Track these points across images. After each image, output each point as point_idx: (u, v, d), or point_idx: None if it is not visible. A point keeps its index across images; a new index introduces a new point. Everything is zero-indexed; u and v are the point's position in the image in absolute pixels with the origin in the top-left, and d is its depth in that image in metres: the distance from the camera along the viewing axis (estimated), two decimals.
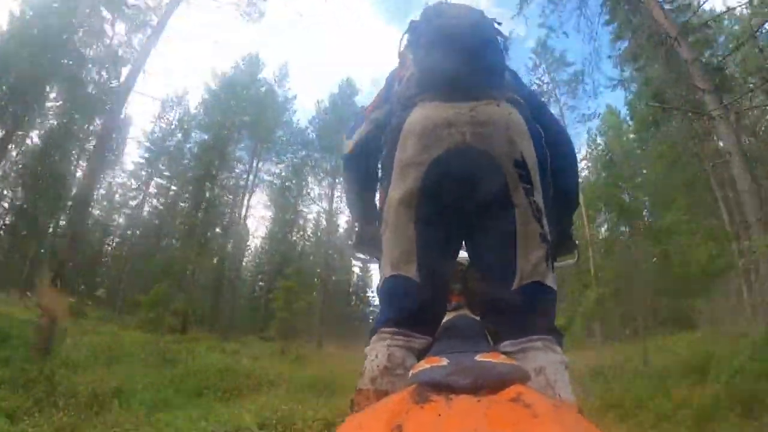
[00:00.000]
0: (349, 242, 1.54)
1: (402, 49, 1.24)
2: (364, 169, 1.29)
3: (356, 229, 1.48)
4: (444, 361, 0.70)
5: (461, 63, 1.05)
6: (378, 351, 1.00)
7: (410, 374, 0.71)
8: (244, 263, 30.47)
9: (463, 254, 1.19)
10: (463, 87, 1.04)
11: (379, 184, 1.17)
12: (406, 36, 1.20)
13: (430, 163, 1.00)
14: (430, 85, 1.07)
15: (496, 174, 0.99)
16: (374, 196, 1.30)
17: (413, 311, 1.03)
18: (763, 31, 8.28)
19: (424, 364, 0.71)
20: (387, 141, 1.11)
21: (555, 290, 1.04)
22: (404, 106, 1.10)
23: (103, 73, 19.03)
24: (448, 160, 0.99)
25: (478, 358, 0.71)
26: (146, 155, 28.11)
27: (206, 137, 27.02)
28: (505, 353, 0.89)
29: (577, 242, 1.38)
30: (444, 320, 1.15)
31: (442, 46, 1.07)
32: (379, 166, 1.19)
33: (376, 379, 0.96)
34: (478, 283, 1.20)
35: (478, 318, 1.19)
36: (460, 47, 1.06)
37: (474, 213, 1.03)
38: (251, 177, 28.06)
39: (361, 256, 1.49)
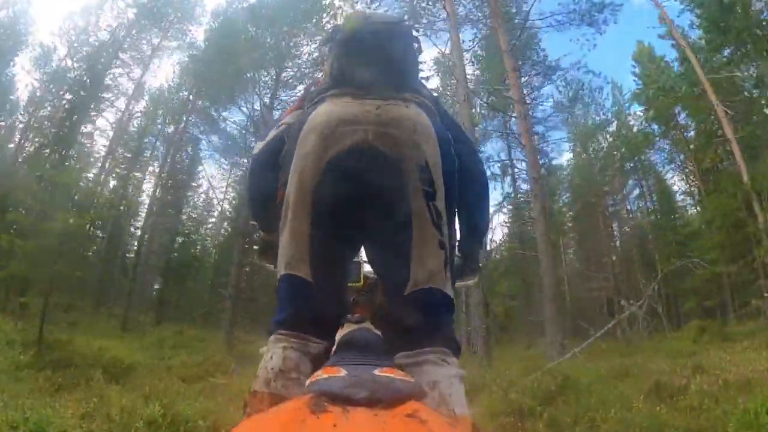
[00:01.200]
0: (255, 248, 1.55)
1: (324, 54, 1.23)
2: (270, 176, 1.17)
3: (260, 237, 1.45)
4: (342, 372, 0.70)
5: (373, 59, 1.06)
6: (273, 353, 0.99)
7: (308, 382, 0.72)
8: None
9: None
10: (372, 84, 1.03)
11: (279, 179, 1.11)
12: (325, 39, 1.20)
13: (328, 160, 0.98)
14: (340, 80, 1.08)
15: (396, 177, 0.98)
16: (274, 204, 1.19)
17: (307, 312, 1.02)
18: None
19: (321, 374, 0.72)
20: (290, 137, 1.08)
21: (452, 298, 1.03)
22: (313, 102, 1.09)
23: None
24: (347, 159, 0.97)
25: (377, 372, 0.71)
26: None
27: None
28: (400, 366, 0.90)
29: (480, 265, 1.37)
30: (345, 332, 1.17)
31: (355, 43, 1.08)
32: (271, 138, 1.21)
33: (270, 382, 0.95)
34: (374, 288, 1.21)
35: (378, 332, 1.20)
36: (373, 44, 1.06)
37: (371, 216, 1.01)
38: None
39: (266, 264, 1.41)
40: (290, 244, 1.02)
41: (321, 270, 1.01)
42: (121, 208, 21.63)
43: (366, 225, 1.04)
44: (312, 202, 0.99)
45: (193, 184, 26.71)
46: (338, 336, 1.13)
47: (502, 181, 19.95)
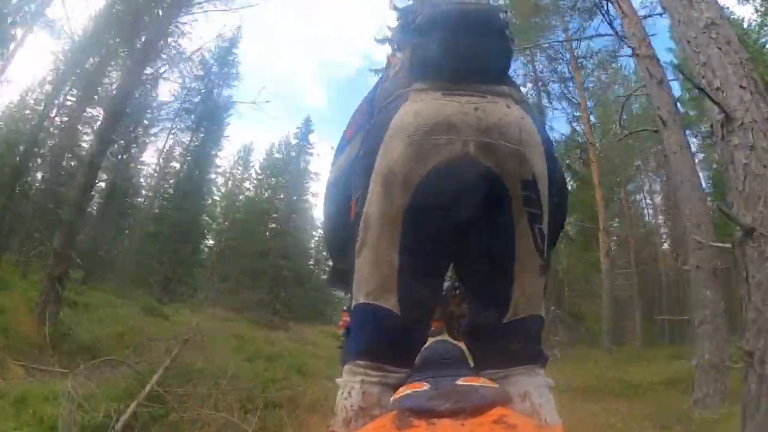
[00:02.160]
0: (323, 277, 1.29)
1: (394, 44, 1.11)
2: (342, 206, 1.03)
3: (330, 262, 1.34)
4: (425, 386, 0.70)
5: (469, 43, 0.89)
6: (351, 388, 0.91)
7: (392, 399, 0.71)
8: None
9: None
10: (468, 73, 0.88)
11: (353, 185, 0.97)
12: (400, 24, 1.09)
13: (422, 177, 0.83)
14: (424, 70, 0.91)
15: (500, 196, 0.85)
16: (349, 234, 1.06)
17: (390, 345, 0.92)
18: None
19: (404, 390, 0.72)
20: (366, 139, 0.95)
21: (544, 318, 0.97)
22: (391, 99, 0.93)
23: None
24: (444, 176, 0.82)
25: (460, 382, 0.71)
26: None
27: None
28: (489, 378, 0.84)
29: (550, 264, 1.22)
30: (424, 345, 1.09)
31: (445, 25, 0.90)
32: (344, 162, 1.06)
33: (350, 422, 0.88)
34: (464, 309, 1.16)
35: (457, 343, 1.18)
36: (469, 23, 0.90)
37: (468, 235, 0.90)
38: None
39: (337, 290, 1.35)
40: (373, 271, 0.90)
41: (410, 300, 0.90)
42: None
43: (464, 249, 0.93)
44: (401, 226, 0.86)
45: None
46: None
47: None
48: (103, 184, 21.73)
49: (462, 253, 0.95)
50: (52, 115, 22.21)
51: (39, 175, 22.89)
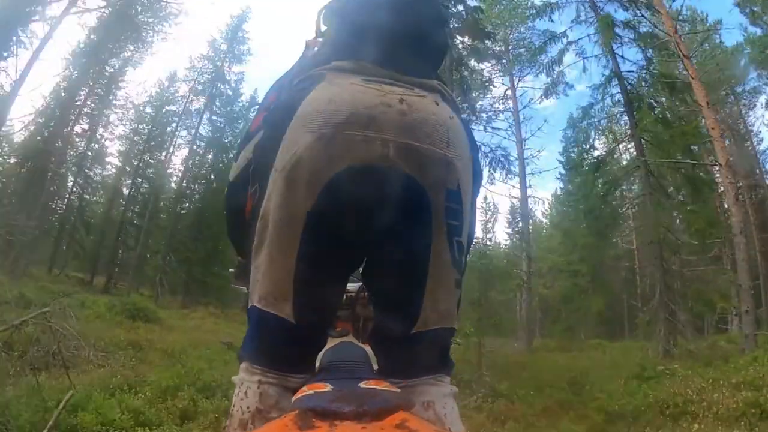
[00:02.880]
0: (231, 270, 1.33)
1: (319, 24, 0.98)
2: (245, 200, 0.93)
3: (237, 259, 1.17)
4: (327, 387, 0.70)
5: (403, 21, 0.83)
6: (248, 388, 0.83)
7: (293, 399, 0.70)
8: None
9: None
10: (397, 57, 0.80)
11: (250, 182, 0.88)
12: (324, 8, 0.96)
13: (331, 178, 0.72)
14: (347, 45, 0.82)
15: (419, 206, 0.76)
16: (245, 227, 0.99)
17: (285, 353, 0.84)
18: None
19: (306, 390, 0.71)
20: (268, 121, 0.87)
21: (455, 329, 0.90)
22: (302, 77, 0.81)
23: None
24: (358, 179, 0.72)
25: (362, 385, 0.71)
26: None
27: None
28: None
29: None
30: (328, 346, 1.05)
31: (378, 8, 0.82)
32: (250, 154, 0.91)
33: (246, 424, 0.81)
34: (372, 311, 1.07)
35: (362, 345, 1.16)
36: (401, 6, 0.84)
37: (379, 243, 0.81)
38: None
39: (240, 287, 1.13)
40: (268, 276, 0.80)
41: (307, 308, 0.81)
42: None
43: (370, 254, 0.86)
44: (302, 230, 0.76)
45: None
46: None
47: None
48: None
49: (371, 260, 0.88)
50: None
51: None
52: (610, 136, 14.34)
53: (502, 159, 12.66)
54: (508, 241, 28.51)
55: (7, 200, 20.73)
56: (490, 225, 26.82)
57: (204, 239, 21.27)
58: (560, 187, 22.07)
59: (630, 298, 20.52)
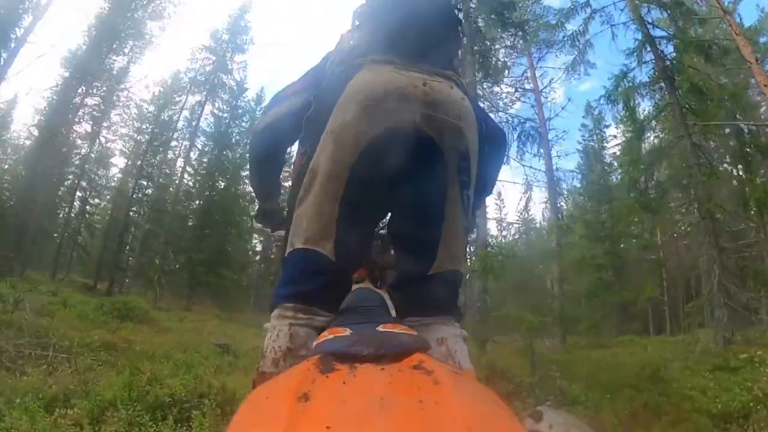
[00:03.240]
0: (252, 213, 0.74)
1: (354, 21, 1.13)
2: (273, 150, 1.22)
3: (257, 203, 1.42)
4: (347, 332, 0.72)
5: (424, 24, 1.01)
6: (279, 330, 0.95)
7: (314, 344, 0.72)
8: None
9: None
10: (420, 52, 0.99)
11: (298, 143, 1.09)
12: (359, 7, 1.13)
13: (372, 139, 0.92)
14: (381, 43, 1.00)
15: (438, 165, 0.95)
16: (278, 175, 1.30)
17: (321, 289, 0.97)
18: None
19: (327, 335, 0.73)
20: (318, 100, 1.01)
21: (463, 274, 1.05)
22: (344, 67, 1.00)
23: None
24: (392, 140, 0.91)
25: (380, 328, 0.74)
26: None
27: None
28: (407, 326, 0.85)
29: (477, 220, 1.38)
30: None
31: (404, 10, 1.01)
32: (304, 123, 1.04)
33: (278, 362, 0.91)
34: (386, 259, 1.31)
35: (379, 290, 1.26)
36: (427, 8, 1.03)
37: (406, 199, 1.00)
38: None
39: (261, 226, 1.44)
40: (314, 219, 0.96)
41: (345, 249, 0.96)
42: None
43: (398, 205, 1.05)
44: (346, 180, 0.94)
45: None
46: None
47: None
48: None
49: (397, 208, 1.05)
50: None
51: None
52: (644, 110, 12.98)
53: (532, 132, 11.25)
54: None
55: (9, 202, 20.46)
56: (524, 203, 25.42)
57: (209, 240, 20.34)
58: (579, 174, 20.53)
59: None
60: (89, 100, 23.43)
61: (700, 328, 12.46)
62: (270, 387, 0.59)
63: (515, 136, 10.96)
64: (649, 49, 11.97)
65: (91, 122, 24.06)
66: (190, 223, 21.02)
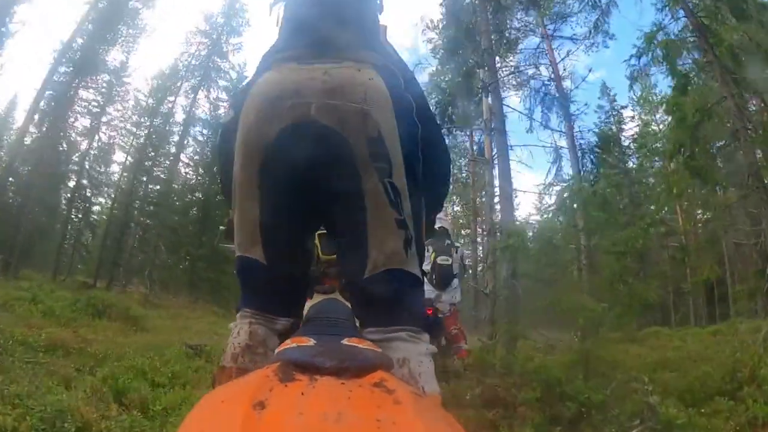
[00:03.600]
0: (221, 227, 1.38)
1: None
2: (229, 147, 1.10)
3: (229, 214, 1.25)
4: (310, 342, 0.71)
5: (323, 14, 0.99)
6: (240, 328, 0.97)
7: (276, 351, 0.73)
8: None
9: None
10: (321, 44, 0.95)
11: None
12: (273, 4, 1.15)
13: (271, 139, 0.89)
14: (288, 41, 1.02)
15: (343, 154, 0.88)
16: None
17: (266, 293, 1.00)
18: None
19: (290, 343, 0.72)
20: (234, 107, 1.00)
21: (416, 276, 0.96)
22: (260, 69, 1.00)
23: None
24: (289, 138, 0.88)
25: (345, 342, 0.73)
26: None
27: None
28: (370, 340, 0.85)
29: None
30: (314, 302, 1.17)
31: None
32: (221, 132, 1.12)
33: (237, 357, 0.93)
34: (336, 271, 1.25)
35: (347, 303, 1.20)
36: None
37: (321, 197, 0.95)
38: None
39: (228, 245, 1.26)
40: (241, 226, 0.98)
41: (275, 251, 0.97)
42: None
43: (318, 205, 0.99)
44: (258, 183, 0.93)
45: None
46: (307, 305, 1.14)
47: None
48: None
49: (319, 207, 0.99)
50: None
51: None
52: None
53: (555, 96, 9.90)
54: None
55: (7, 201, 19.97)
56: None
57: (209, 234, 19.40)
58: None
59: (674, 281, 18.00)
60: (87, 94, 22.94)
61: (738, 316, 11.00)
62: (226, 391, 0.59)
63: (538, 101, 9.59)
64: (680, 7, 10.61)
65: (89, 117, 23.74)
66: (190, 217, 20.01)
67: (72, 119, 22.60)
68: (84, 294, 13.11)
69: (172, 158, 22.94)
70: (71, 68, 21.23)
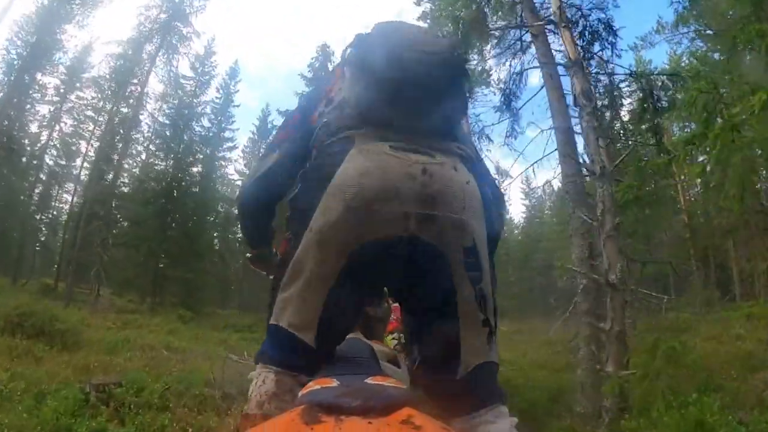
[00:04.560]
0: (248, 255, 1.41)
1: (341, 65, 1.05)
2: (262, 203, 1.18)
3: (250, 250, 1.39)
4: (334, 382, 0.71)
5: (418, 99, 0.91)
6: (265, 377, 0.94)
7: (300, 394, 0.72)
8: None
9: None
10: (417, 134, 0.90)
11: (286, 223, 1.00)
12: (350, 51, 1.00)
13: (359, 247, 0.86)
14: (371, 109, 0.91)
15: (437, 266, 0.88)
16: (268, 225, 1.26)
17: (303, 366, 0.93)
18: None
19: (313, 385, 0.72)
20: (304, 179, 0.96)
21: (497, 362, 0.97)
22: (335, 139, 0.92)
23: None
24: (382, 249, 0.86)
25: (369, 380, 0.73)
26: None
27: None
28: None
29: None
30: None
31: (400, 72, 0.89)
32: (289, 202, 1.01)
33: (263, 405, 0.90)
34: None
35: (369, 341, 1.20)
36: (419, 80, 0.90)
37: (409, 298, 0.98)
38: None
39: (260, 271, 1.39)
40: (298, 312, 0.92)
41: (328, 337, 0.94)
42: None
43: (406, 306, 1.03)
44: (333, 284, 0.89)
45: None
46: None
47: None
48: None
49: (406, 307, 1.02)
50: None
51: None
52: None
53: (602, 28, 7.85)
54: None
55: None
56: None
57: (175, 228, 17.51)
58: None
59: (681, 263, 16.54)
60: (46, 79, 20.94)
61: None
62: None
63: (577, 33, 7.54)
64: None
65: (50, 106, 21.75)
66: (152, 209, 17.91)
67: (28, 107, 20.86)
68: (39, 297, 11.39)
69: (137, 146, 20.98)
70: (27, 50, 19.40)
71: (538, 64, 7.78)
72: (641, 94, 7.07)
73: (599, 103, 5.75)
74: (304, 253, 0.89)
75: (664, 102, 7.54)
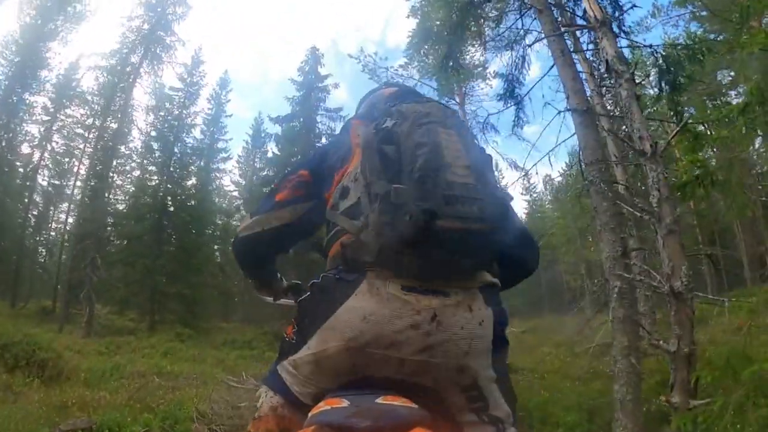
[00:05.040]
0: (251, 281, 1.39)
1: (359, 142, 0.97)
2: (258, 261, 1.23)
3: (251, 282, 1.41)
4: (344, 403, 0.71)
5: (458, 264, 0.85)
6: (276, 389, 0.96)
7: (310, 414, 0.72)
8: None
9: None
10: (441, 267, 0.84)
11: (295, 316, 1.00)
12: (367, 129, 0.95)
13: (353, 379, 0.87)
14: (386, 257, 0.83)
15: (436, 402, 0.86)
16: (270, 273, 1.31)
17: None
18: None
19: (323, 405, 0.72)
20: (316, 289, 0.95)
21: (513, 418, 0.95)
22: (347, 270, 0.89)
23: None
24: (378, 380, 0.85)
25: (379, 400, 0.72)
26: None
27: None
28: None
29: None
30: None
31: (436, 245, 0.80)
32: (274, 222, 1.07)
33: (276, 408, 0.93)
34: None
35: None
36: (462, 249, 0.82)
37: None
38: None
39: (265, 298, 1.41)
40: (303, 383, 0.93)
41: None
42: None
43: None
44: (331, 388, 0.90)
45: None
46: None
47: None
48: None
49: None
50: None
51: None
52: None
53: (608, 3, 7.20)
54: None
55: None
56: None
57: (172, 243, 16.98)
58: None
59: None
60: (34, 99, 20.51)
61: None
62: None
63: None
64: None
65: (40, 126, 21.35)
66: (146, 224, 17.38)
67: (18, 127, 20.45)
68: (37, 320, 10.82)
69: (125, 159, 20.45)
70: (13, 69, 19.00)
71: (538, 50, 7.10)
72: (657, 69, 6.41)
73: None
74: (308, 347, 0.90)
75: (681, 79, 6.93)
